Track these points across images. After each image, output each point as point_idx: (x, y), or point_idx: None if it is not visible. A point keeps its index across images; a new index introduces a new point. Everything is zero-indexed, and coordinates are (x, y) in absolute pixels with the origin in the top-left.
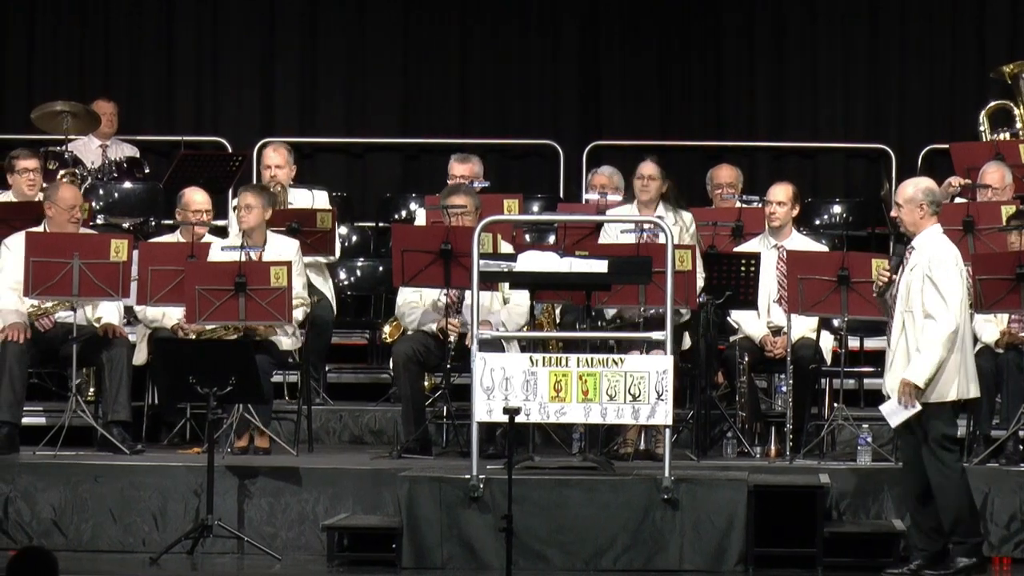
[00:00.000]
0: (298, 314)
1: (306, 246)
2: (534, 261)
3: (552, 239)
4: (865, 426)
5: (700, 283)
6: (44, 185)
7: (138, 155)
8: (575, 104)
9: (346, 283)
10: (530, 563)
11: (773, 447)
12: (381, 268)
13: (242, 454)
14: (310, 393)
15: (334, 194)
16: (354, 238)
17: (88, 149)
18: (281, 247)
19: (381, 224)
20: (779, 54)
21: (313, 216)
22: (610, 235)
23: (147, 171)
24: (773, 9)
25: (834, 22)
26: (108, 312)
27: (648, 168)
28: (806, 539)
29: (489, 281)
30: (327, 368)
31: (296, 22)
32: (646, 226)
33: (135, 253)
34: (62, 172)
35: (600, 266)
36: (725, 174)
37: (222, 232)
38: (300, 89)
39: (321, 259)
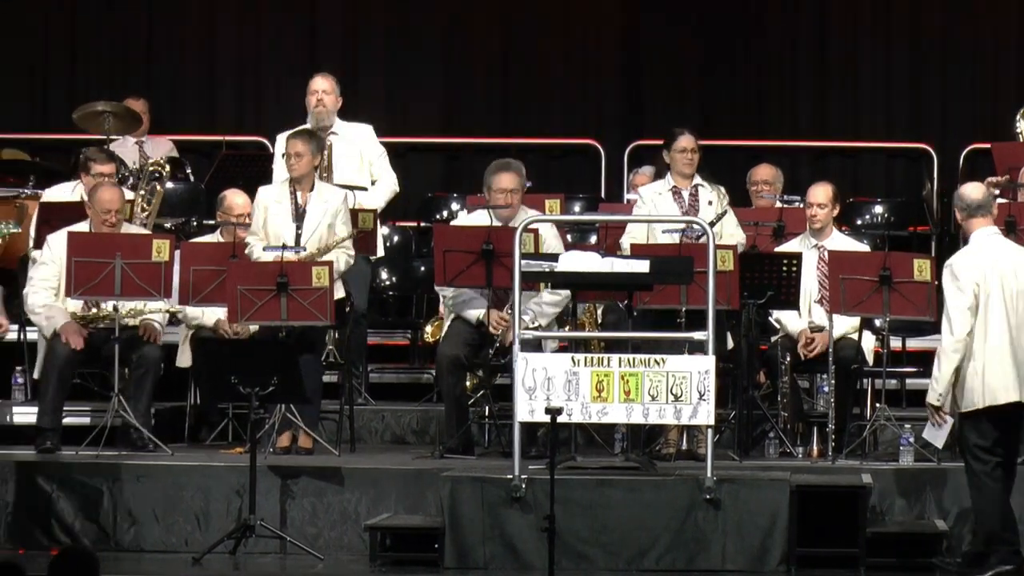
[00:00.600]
0: (340, 263)
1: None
2: (576, 261)
3: (594, 239)
4: (907, 426)
5: (741, 243)
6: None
7: (176, 154)
8: (617, 104)
9: (388, 283)
10: (572, 563)
11: (815, 447)
12: (423, 268)
13: (284, 454)
14: (352, 393)
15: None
16: (396, 238)
17: (126, 148)
18: (328, 195)
19: (423, 224)
20: (821, 53)
21: (355, 216)
22: (646, 202)
23: (188, 171)
24: (815, 9)
25: (877, 21)
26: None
27: (690, 141)
28: (848, 539)
29: (531, 281)
30: (369, 368)
31: (338, 22)
32: (695, 226)
33: (177, 253)
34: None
35: (642, 266)
36: (763, 172)
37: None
38: (341, 89)
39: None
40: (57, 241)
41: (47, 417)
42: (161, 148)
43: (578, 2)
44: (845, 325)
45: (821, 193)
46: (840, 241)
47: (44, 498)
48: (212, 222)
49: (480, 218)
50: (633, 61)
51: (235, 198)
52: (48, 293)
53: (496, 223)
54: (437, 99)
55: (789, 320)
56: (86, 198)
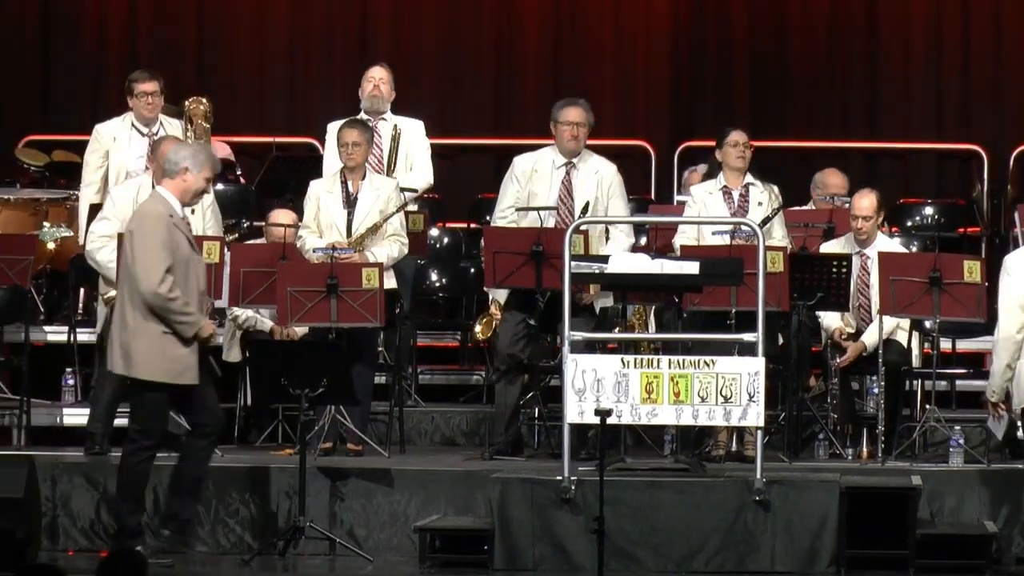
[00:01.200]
0: (393, 251)
1: None
2: (626, 262)
3: (644, 240)
4: (957, 428)
5: (789, 246)
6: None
7: (233, 158)
8: (667, 105)
9: (437, 285)
10: (622, 564)
11: (865, 449)
12: (472, 270)
13: (326, 455)
14: (402, 394)
15: (427, 195)
16: (445, 239)
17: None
18: (379, 183)
19: (472, 225)
20: (871, 53)
21: (404, 218)
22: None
23: (239, 172)
24: (865, 8)
25: (930, 21)
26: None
27: (742, 135)
28: (898, 541)
29: (581, 283)
30: (419, 369)
31: (388, 23)
32: (743, 228)
33: (227, 255)
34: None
35: (692, 267)
36: (836, 181)
37: None
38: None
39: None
40: (121, 196)
41: (99, 422)
42: (219, 152)
43: (628, 1)
44: (889, 325)
45: (867, 205)
46: (885, 245)
47: (93, 501)
48: (261, 223)
49: (543, 157)
50: (683, 62)
51: (279, 217)
52: (110, 250)
53: (560, 160)
54: (488, 100)
55: (829, 317)
56: (138, 124)
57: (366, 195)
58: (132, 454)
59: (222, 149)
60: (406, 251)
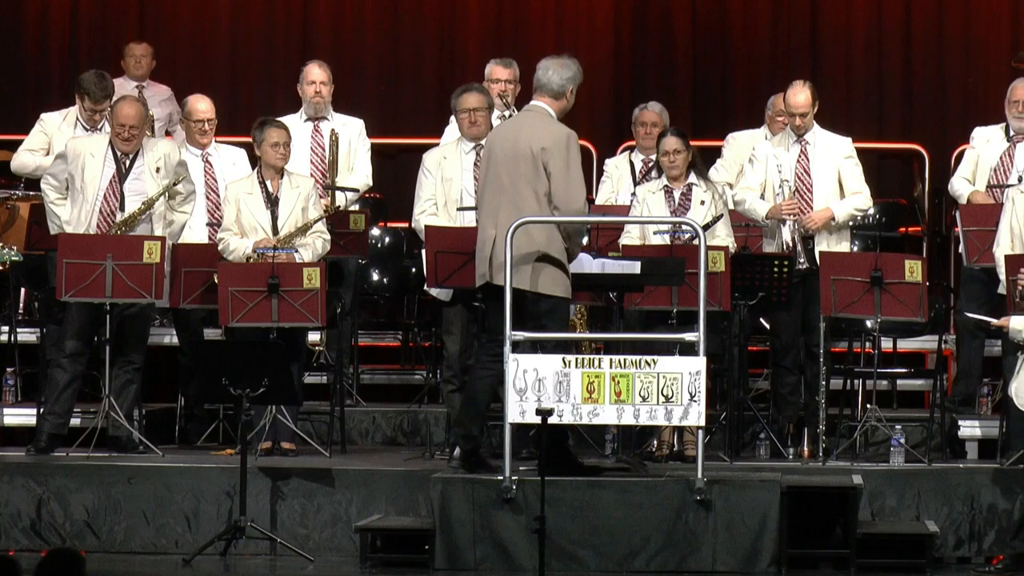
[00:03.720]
0: (318, 247)
1: (338, 247)
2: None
3: (585, 240)
4: (898, 427)
5: (732, 246)
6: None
7: (176, 102)
8: (609, 106)
9: (378, 284)
10: (563, 564)
11: (806, 448)
12: (414, 269)
13: (267, 455)
14: (343, 394)
15: (368, 195)
16: (387, 239)
17: (125, 90)
18: (297, 180)
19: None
20: (813, 54)
21: (346, 217)
22: (639, 202)
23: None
24: (807, 8)
25: (871, 21)
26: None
27: (672, 143)
28: (839, 540)
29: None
30: (360, 369)
31: (329, 21)
32: (685, 228)
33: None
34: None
35: (633, 267)
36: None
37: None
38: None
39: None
40: (73, 147)
41: (59, 421)
42: (160, 94)
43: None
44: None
45: (802, 101)
46: (821, 133)
47: (35, 500)
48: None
49: (450, 146)
50: (624, 63)
51: (197, 103)
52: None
53: (468, 146)
54: (430, 99)
55: (757, 206)
56: (83, 122)
57: (287, 194)
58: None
59: (163, 92)
60: (328, 247)
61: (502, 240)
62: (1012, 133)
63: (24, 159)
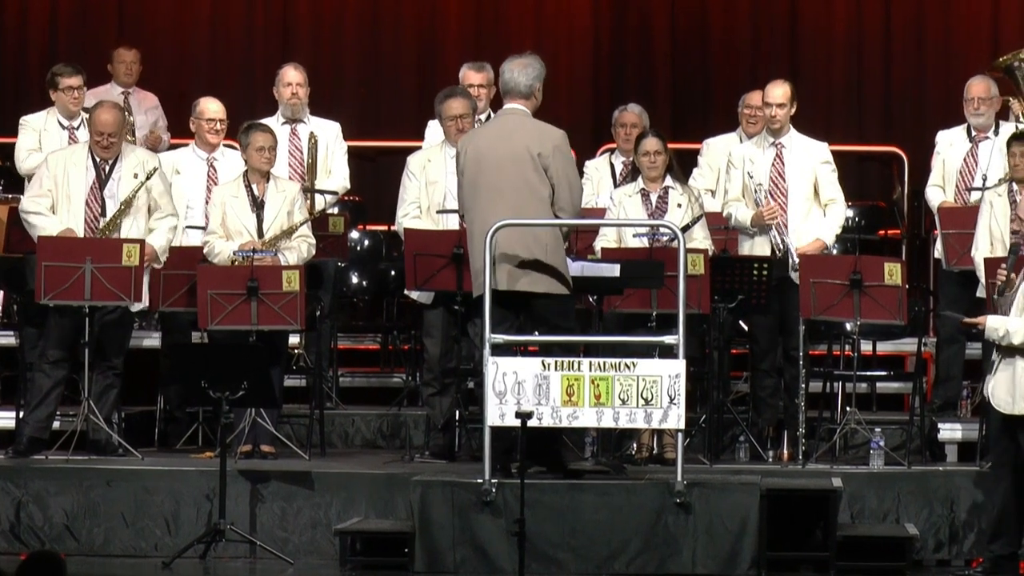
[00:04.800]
0: (303, 251)
1: (317, 250)
2: None
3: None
4: (878, 430)
5: (710, 248)
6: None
7: (161, 110)
8: (588, 109)
9: (357, 287)
10: (543, 567)
11: (786, 451)
12: (393, 272)
13: (247, 459)
14: (322, 397)
15: (347, 198)
16: (366, 242)
17: (110, 96)
18: (283, 184)
19: (393, 228)
20: (792, 56)
21: (325, 220)
22: (616, 205)
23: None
24: (787, 11)
25: (851, 23)
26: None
27: (653, 144)
28: (819, 543)
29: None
30: (339, 372)
31: (309, 23)
32: (663, 230)
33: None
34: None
35: (612, 270)
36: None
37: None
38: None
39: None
40: (54, 161)
41: (40, 425)
42: (146, 102)
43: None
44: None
45: (780, 93)
46: (800, 140)
47: (14, 503)
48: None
49: (435, 150)
50: (604, 67)
51: (208, 104)
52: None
53: (452, 151)
54: (409, 101)
55: (741, 216)
56: (60, 118)
57: (273, 197)
58: None
59: (149, 100)
60: (314, 251)
61: (505, 245)
62: (973, 133)
63: (31, 162)
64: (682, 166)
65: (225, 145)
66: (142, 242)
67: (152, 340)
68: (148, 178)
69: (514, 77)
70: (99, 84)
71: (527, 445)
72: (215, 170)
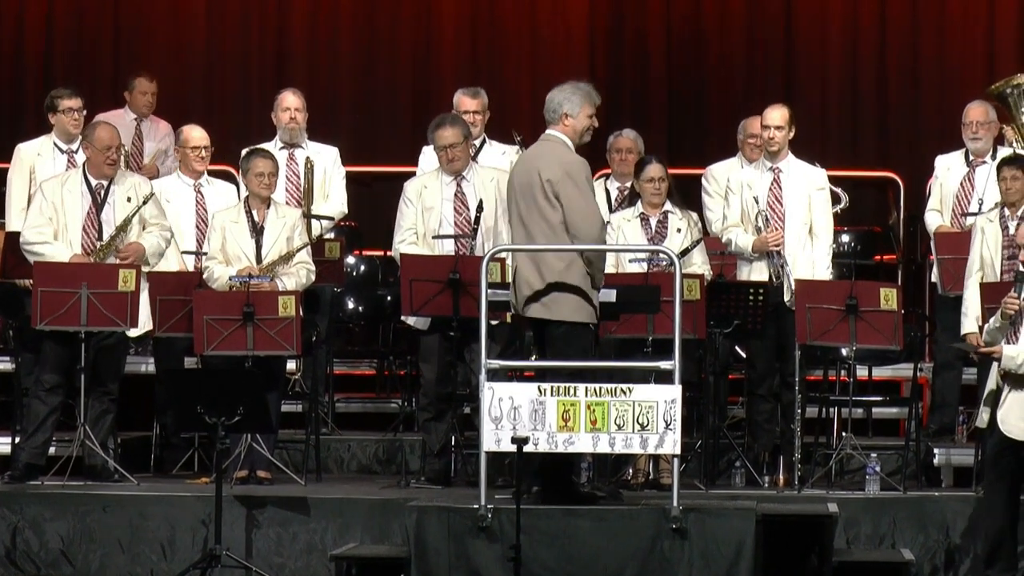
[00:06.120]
0: (302, 278)
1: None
2: None
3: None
4: (873, 455)
5: (708, 273)
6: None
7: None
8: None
9: (354, 312)
10: None
11: (782, 476)
12: (389, 297)
13: (243, 484)
14: (318, 422)
15: (344, 223)
16: (362, 267)
17: (123, 122)
18: (284, 210)
19: (389, 253)
20: (787, 81)
21: (321, 245)
22: (614, 229)
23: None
24: (782, 35)
25: (847, 47)
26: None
27: (657, 170)
28: (815, 568)
29: (497, 311)
30: (335, 397)
31: (304, 48)
32: (661, 256)
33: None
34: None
35: (608, 295)
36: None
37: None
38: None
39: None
40: (50, 188)
41: (37, 451)
42: (159, 131)
43: (546, 27)
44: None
45: (778, 116)
46: (795, 162)
47: (10, 529)
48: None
49: (431, 176)
50: (599, 91)
51: (193, 132)
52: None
53: (449, 178)
54: (405, 127)
55: (742, 238)
56: (58, 141)
57: (272, 223)
58: None
59: (162, 128)
60: (313, 278)
61: (525, 271)
62: (971, 157)
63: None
64: (679, 191)
65: (210, 172)
66: (138, 267)
67: (148, 365)
68: (144, 203)
69: (547, 103)
70: (96, 110)
71: (540, 470)
72: (203, 195)
